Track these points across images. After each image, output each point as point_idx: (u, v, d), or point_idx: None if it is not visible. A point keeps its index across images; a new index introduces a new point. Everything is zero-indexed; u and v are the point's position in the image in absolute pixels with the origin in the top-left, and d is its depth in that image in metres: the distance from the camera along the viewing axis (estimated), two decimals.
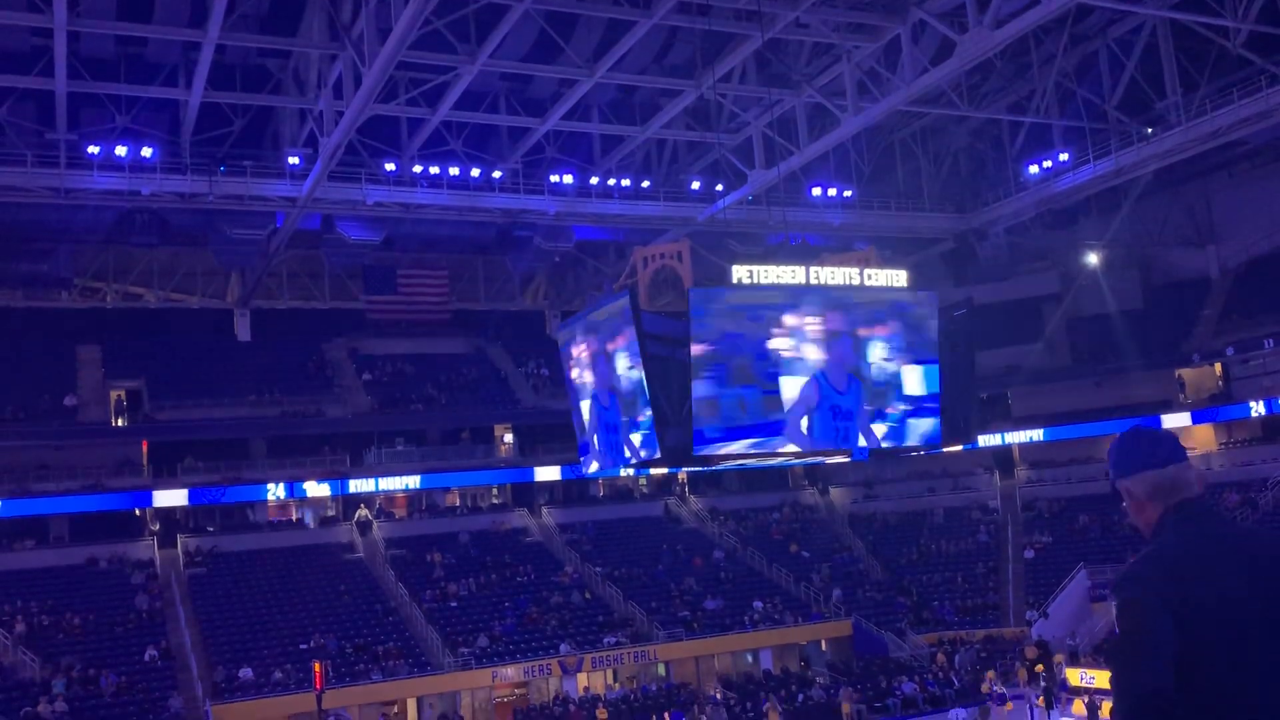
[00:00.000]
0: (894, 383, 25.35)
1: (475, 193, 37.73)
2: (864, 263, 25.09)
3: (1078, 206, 41.79)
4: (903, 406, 25.23)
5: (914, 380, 25.15)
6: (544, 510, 44.12)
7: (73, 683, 30.32)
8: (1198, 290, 44.77)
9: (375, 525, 41.29)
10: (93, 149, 32.83)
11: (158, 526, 38.95)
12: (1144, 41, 36.11)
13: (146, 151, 33.20)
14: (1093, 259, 44.38)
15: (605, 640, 35.70)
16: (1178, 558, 2.57)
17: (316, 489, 40.32)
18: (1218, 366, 42.76)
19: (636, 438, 24.55)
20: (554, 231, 40.35)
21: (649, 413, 23.56)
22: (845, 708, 31.86)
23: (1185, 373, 43.58)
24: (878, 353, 24.88)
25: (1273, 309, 39.66)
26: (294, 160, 34.57)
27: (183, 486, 38.18)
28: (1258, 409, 39.89)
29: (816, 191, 40.83)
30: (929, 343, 25.33)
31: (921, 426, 24.97)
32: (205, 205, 34.72)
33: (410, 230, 39.53)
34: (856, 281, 24.87)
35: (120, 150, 32.90)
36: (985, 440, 42.60)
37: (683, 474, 45.45)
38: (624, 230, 41.25)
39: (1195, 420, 41.52)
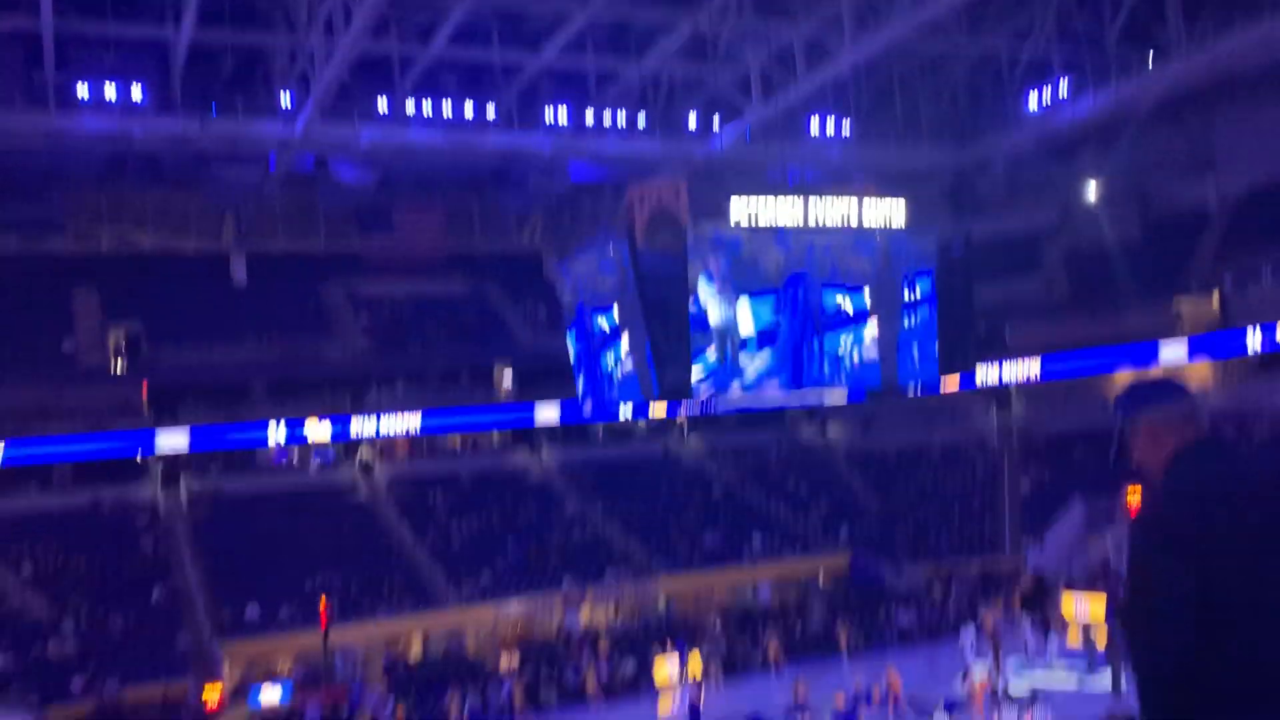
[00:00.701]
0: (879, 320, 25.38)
1: (470, 131, 37.40)
2: (863, 194, 24.94)
3: (1077, 139, 41.46)
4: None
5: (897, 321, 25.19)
6: (544, 450, 44.37)
7: (81, 623, 30.74)
8: (1197, 221, 44.56)
9: (376, 466, 41.57)
10: (82, 90, 32.46)
11: (160, 469, 39.18)
12: None
13: (136, 92, 32.84)
14: (1091, 191, 44.14)
15: (606, 576, 36.14)
16: (1195, 492, 2.52)
17: (317, 431, 40.48)
18: (1215, 297, 42.72)
19: (634, 378, 24.62)
20: (550, 170, 40.10)
21: (647, 353, 23.60)
22: (842, 637, 32.36)
23: (1183, 304, 43.55)
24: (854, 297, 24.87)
25: (1272, 239, 39.51)
26: (286, 101, 34.21)
27: (184, 430, 38.34)
28: (1254, 339, 39.93)
29: (815, 126, 40.48)
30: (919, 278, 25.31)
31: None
32: (197, 147, 34.44)
33: (405, 170, 39.31)
34: (855, 215, 24.78)
35: (110, 91, 32.54)
36: (982, 375, 42.72)
37: (682, 414, 45.64)
38: (620, 168, 40.97)
39: (1192, 352, 41.55)
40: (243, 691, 28.96)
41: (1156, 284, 42.32)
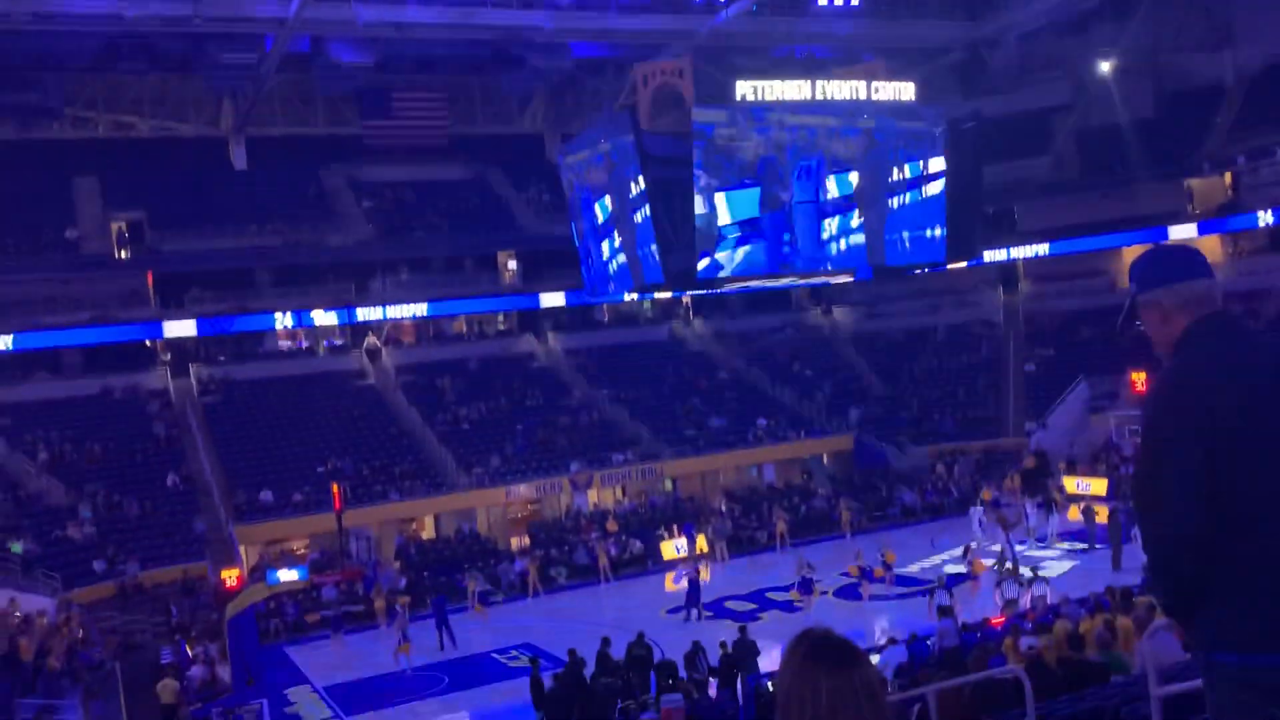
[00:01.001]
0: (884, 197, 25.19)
1: (468, 9, 36.48)
2: (871, 75, 24.46)
3: (1091, 11, 40.34)
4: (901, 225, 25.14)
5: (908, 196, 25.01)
6: (550, 336, 44.52)
7: (99, 508, 31.39)
8: (1212, 97, 43.66)
9: (384, 352, 41.81)
10: None
11: (169, 357, 39.46)
12: None
13: None
14: (1105, 67, 43.12)
15: (614, 458, 36.65)
16: (1207, 367, 2.49)
17: (324, 318, 40.61)
18: (1227, 176, 42.17)
19: (638, 262, 24.53)
20: (551, 49, 39.20)
21: (652, 235, 23.47)
22: (844, 516, 32.98)
23: (1194, 183, 43.01)
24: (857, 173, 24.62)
25: None
26: None
27: (191, 317, 38.47)
28: (1266, 218, 39.57)
29: (822, 0, 39.36)
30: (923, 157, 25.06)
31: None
32: (192, 29, 33.66)
33: (403, 51, 38.44)
34: (863, 95, 24.33)
35: None
36: (990, 256, 42.51)
37: (687, 297, 45.63)
38: (623, 46, 40.01)
39: (1202, 231, 41.22)
40: (260, 572, 29.74)
41: (1169, 162, 41.73)
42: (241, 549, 30.75)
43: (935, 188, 25.89)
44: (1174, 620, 2.58)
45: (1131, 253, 44.52)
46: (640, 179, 23.25)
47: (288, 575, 29.90)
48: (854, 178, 24.84)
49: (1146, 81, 44.33)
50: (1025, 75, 44.69)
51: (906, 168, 25.35)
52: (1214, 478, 2.37)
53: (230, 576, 27.90)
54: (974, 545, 27.21)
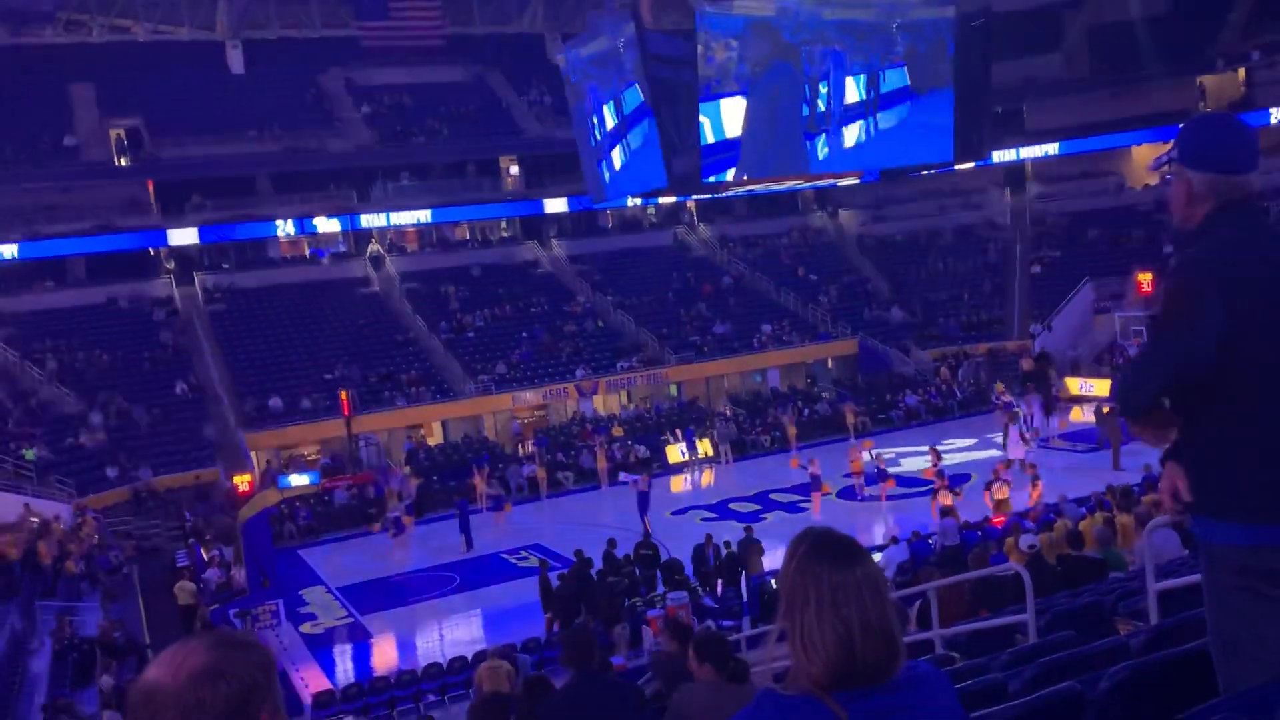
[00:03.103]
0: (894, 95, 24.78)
1: None
2: None
3: None
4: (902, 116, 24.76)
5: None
6: (554, 242, 44.30)
7: (110, 417, 31.69)
8: None
9: (387, 260, 41.68)
10: None
11: (173, 265, 39.43)
12: None
13: None
14: None
15: (619, 365, 36.81)
16: (1234, 243, 2.51)
17: (326, 224, 40.41)
18: (1241, 72, 41.38)
19: (643, 165, 24.27)
20: None
21: (656, 138, 23.17)
22: (849, 418, 33.20)
23: (1207, 80, 42.23)
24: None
25: None
26: None
27: (193, 225, 38.31)
28: (1277, 116, 38.95)
29: None
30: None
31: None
32: None
33: None
34: None
35: None
36: (998, 156, 41.98)
37: (691, 202, 45.25)
38: None
39: None
40: (271, 477, 30.15)
41: (1182, 58, 40.91)
42: (252, 455, 31.13)
43: (943, 84, 25.46)
44: (1129, 417, 2.63)
45: (1141, 152, 43.98)
46: (644, 79, 22.87)
47: (299, 480, 30.33)
48: (863, 78, 24.40)
49: None
50: None
51: (915, 66, 24.88)
52: (1232, 336, 2.42)
53: (242, 482, 28.30)
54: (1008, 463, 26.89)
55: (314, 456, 32.85)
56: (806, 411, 35.21)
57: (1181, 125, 2.72)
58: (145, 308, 37.49)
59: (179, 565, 23.41)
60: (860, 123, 24.94)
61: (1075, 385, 34.59)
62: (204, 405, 33.29)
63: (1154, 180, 43.16)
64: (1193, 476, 2.56)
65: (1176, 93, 41.50)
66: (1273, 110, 39.08)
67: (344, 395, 31.06)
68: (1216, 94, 42.28)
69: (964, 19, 24.70)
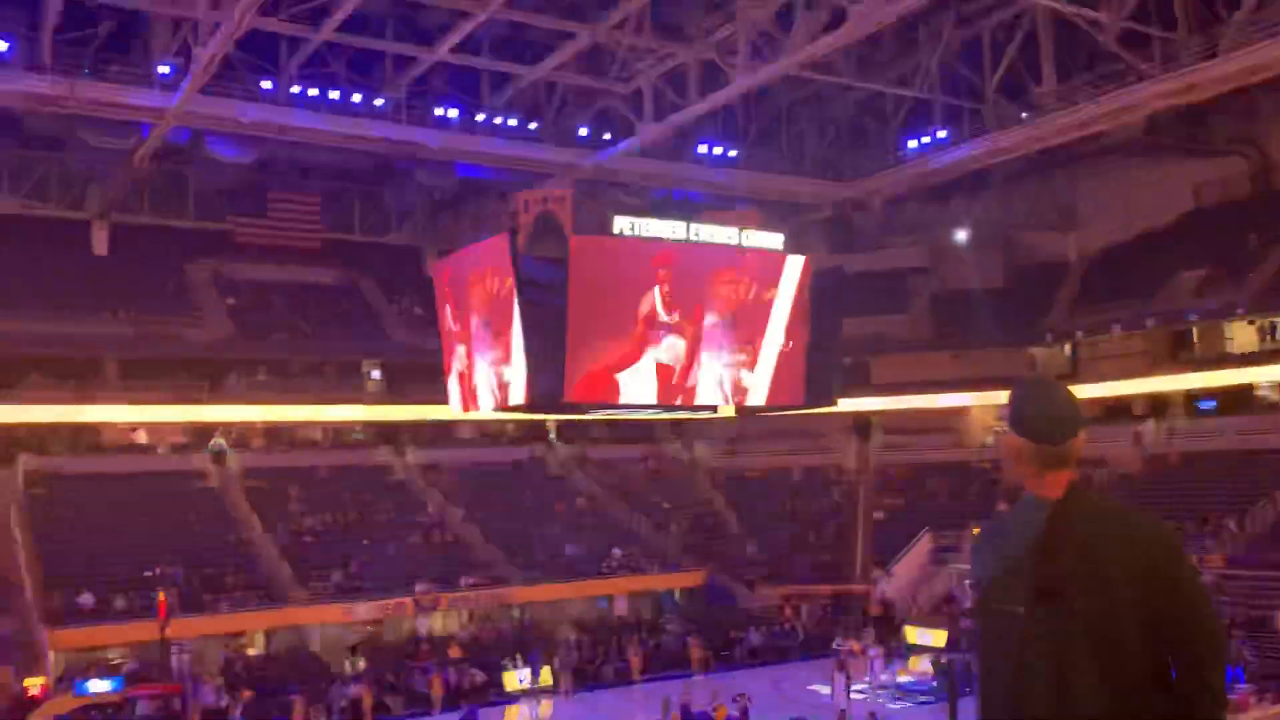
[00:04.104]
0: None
1: (357, 119, 36.68)
2: (743, 222, 25.41)
3: (951, 184, 43.11)
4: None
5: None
6: (409, 449, 43.64)
7: None
8: (1056, 273, 46.78)
9: (230, 455, 40.19)
10: None
11: None
12: (1025, 29, 37.39)
13: (1, 46, 31.16)
14: (960, 236, 45.92)
15: (463, 581, 35.70)
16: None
17: (171, 413, 38.91)
18: (1068, 346, 44.86)
19: (506, 381, 24.47)
20: (437, 167, 39.61)
21: (521, 357, 23.50)
22: (694, 654, 32.70)
23: (1037, 351, 45.61)
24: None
25: (1123, 295, 41.77)
26: (164, 69, 32.87)
27: (28, 403, 36.38)
28: (1097, 391, 42.04)
29: (703, 149, 41.05)
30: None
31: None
32: (66, 109, 32.83)
33: (285, 154, 38.32)
34: (735, 240, 25.21)
35: None
36: (845, 404, 43.84)
37: (550, 421, 45.54)
38: (508, 171, 40.75)
39: None
40: (68, 682, 27.57)
41: (1015, 329, 44.23)
42: (51, 655, 28.53)
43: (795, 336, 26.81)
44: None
45: (978, 411, 46.67)
46: (515, 301, 23.40)
47: (99, 686, 27.77)
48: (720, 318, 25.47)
49: (997, 253, 47.36)
50: (887, 237, 47.17)
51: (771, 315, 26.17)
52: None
53: (34, 685, 25.79)
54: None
55: (119, 661, 30.28)
56: (651, 643, 34.55)
57: (1009, 390, 2.86)
58: None
59: None
60: (720, 362, 25.83)
61: (914, 634, 35.06)
62: (6, 597, 30.63)
63: (990, 440, 45.66)
64: None
65: (1010, 361, 44.60)
66: (1090, 386, 42.22)
67: (161, 597, 29.04)
68: (1046, 365, 45.61)
69: (817, 277, 26.29)
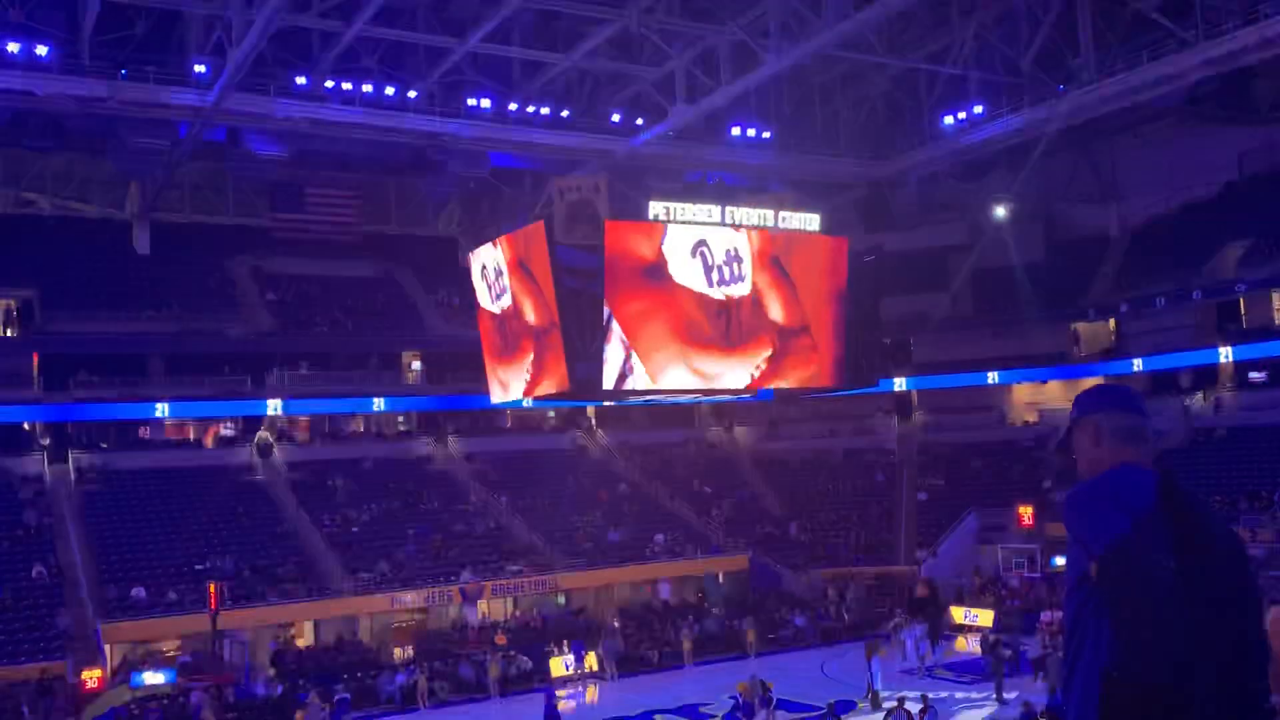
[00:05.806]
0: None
1: (390, 112, 36.83)
2: (779, 205, 25.28)
3: (988, 160, 42.57)
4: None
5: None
6: (450, 439, 43.95)
7: None
8: (1098, 247, 46.11)
9: (276, 448, 40.69)
10: None
11: (48, 441, 37.79)
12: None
13: (42, 50, 31.57)
14: (999, 212, 45.35)
15: (507, 569, 35.95)
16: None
17: (216, 409, 39.43)
18: (1111, 322, 44.25)
19: (547, 369, 24.54)
20: (470, 157, 39.68)
21: (561, 344, 23.57)
22: (750, 636, 32.68)
23: (1081, 326, 45.03)
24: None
25: (1166, 268, 41.12)
26: (200, 68, 33.18)
27: (75, 401, 37.05)
28: (1139, 364, 41.50)
29: (736, 131, 40.81)
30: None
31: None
32: (105, 110, 33.23)
33: (321, 148, 38.50)
34: (771, 222, 25.08)
35: (13, 47, 31.21)
36: (885, 385, 43.60)
37: (591, 407, 45.65)
38: (542, 159, 40.78)
39: (1083, 373, 43.02)
40: (124, 674, 28.10)
41: (1057, 305, 43.68)
42: (107, 648, 29.10)
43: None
44: None
45: (1021, 389, 46.19)
46: (552, 288, 23.46)
47: (153, 678, 28.27)
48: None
49: (1038, 228, 46.72)
50: (925, 215, 46.68)
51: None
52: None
53: (91, 677, 26.33)
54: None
55: (173, 653, 30.81)
56: (697, 628, 34.60)
57: (1075, 398, 2.90)
58: (12, 484, 35.59)
59: None
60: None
61: (960, 614, 34.86)
62: (61, 591, 31.26)
63: (1033, 418, 45.20)
64: None
65: (1053, 337, 44.10)
66: (1135, 360, 41.66)
67: (212, 588, 29.52)
68: (1089, 340, 45.04)
69: (855, 257, 26.09)
